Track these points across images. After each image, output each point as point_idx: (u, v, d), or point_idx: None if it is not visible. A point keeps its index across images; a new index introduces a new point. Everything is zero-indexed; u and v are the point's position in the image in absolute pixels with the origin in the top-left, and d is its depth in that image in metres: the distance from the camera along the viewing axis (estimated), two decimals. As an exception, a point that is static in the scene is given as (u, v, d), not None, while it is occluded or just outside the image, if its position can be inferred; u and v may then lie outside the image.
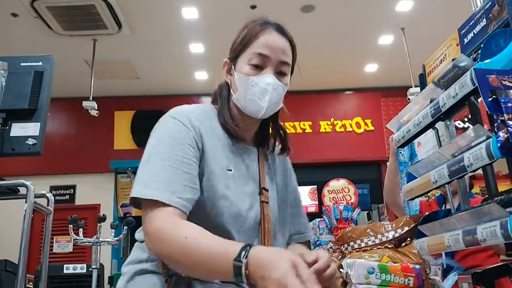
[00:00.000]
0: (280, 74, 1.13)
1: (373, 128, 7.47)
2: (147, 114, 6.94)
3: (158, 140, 1.05)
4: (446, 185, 1.13)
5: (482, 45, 1.05)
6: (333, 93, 7.64)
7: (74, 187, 7.17)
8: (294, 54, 1.17)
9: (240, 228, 1.08)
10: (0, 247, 5.33)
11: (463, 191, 1.16)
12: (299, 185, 1.34)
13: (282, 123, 1.25)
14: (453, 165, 0.92)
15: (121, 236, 3.68)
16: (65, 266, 3.63)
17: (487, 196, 1.07)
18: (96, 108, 5.85)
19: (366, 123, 7.52)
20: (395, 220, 1.31)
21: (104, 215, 3.74)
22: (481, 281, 1.10)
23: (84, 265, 3.64)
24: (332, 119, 7.54)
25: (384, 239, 1.25)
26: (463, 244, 0.88)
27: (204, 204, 1.03)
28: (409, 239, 1.24)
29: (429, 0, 5.26)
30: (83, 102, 5.84)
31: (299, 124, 7.39)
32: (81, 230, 3.55)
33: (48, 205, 2.37)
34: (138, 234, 1.15)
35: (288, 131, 1.27)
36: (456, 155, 0.93)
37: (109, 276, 5.52)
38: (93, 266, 3.42)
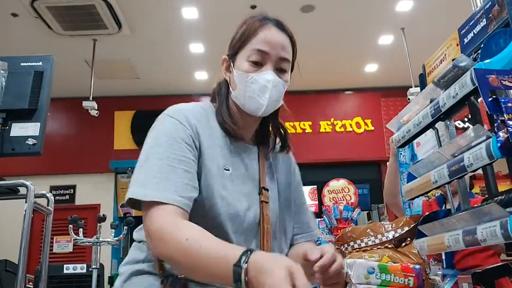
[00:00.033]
0: (280, 71, 1.11)
1: (373, 128, 7.48)
2: (147, 114, 6.93)
3: (155, 140, 1.03)
4: (446, 185, 1.13)
5: (482, 45, 1.05)
6: (333, 93, 7.64)
7: (74, 187, 7.17)
8: (294, 50, 1.15)
9: (238, 228, 1.06)
10: (0, 247, 5.33)
11: (463, 191, 1.16)
12: (299, 184, 1.32)
13: (282, 121, 1.22)
14: (453, 165, 0.92)
15: (121, 236, 3.69)
16: (65, 266, 3.63)
17: (487, 196, 1.07)
18: (96, 108, 5.85)
19: (366, 123, 7.52)
20: (395, 220, 1.31)
21: (104, 215, 3.75)
22: (481, 281, 1.10)
23: (84, 265, 3.64)
24: (332, 119, 7.54)
25: (384, 239, 1.25)
26: (463, 244, 0.88)
27: (202, 203, 1.02)
28: (409, 239, 1.24)
29: (429, 0, 5.26)
30: (83, 102, 5.85)
31: (299, 124, 7.39)
32: (81, 230, 3.55)
33: (48, 205, 2.37)
34: (136, 234, 1.14)
35: (289, 135, 1.25)
36: (456, 155, 0.93)
37: (109, 276, 5.53)
38: (93, 266, 3.42)
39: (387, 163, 2.02)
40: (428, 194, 1.78)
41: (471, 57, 1.10)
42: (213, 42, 5.84)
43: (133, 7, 5.23)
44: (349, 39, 6.07)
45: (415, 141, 1.50)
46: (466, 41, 1.20)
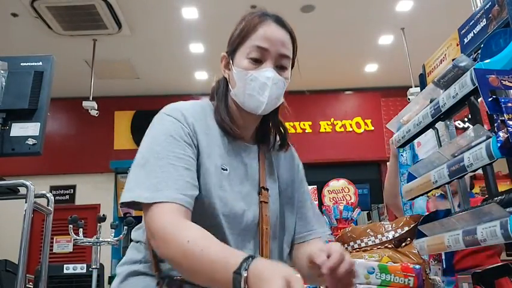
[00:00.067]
0: (280, 68, 1.08)
1: (373, 128, 7.48)
2: (147, 114, 6.87)
3: (154, 138, 1.02)
4: (446, 185, 1.13)
5: (482, 45, 1.05)
6: (333, 93, 7.64)
7: (74, 187, 7.17)
8: (294, 47, 1.12)
9: (235, 229, 1.04)
10: (0, 247, 5.33)
11: (463, 191, 1.16)
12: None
13: (281, 119, 1.19)
14: (453, 165, 0.92)
15: (121, 236, 3.68)
16: (65, 266, 3.64)
17: (487, 196, 1.07)
18: (96, 108, 5.85)
19: (366, 123, 7.52)
20: (395, 220, 1.31)
21: (104, 215, 3.74)
22: (481, 281, 1.10)
23: (84, 265, 3.64)
24: (332, 119, 7.54)
25: (384, 239, 1.25)
26: (463, 244, 0.88)
27: (200, 202, 1.00)
28: (409, 239, 1.25)
29: (429, 0, 5.26)
30: (83, 102, 5.85)
31: (299, 124, 7.39)
32: (81, 230, 3.55)
33: (48, 205, 2.37)
34: (134, 234, 1.13)
35: (288, 133, 1.21)
36: (456, 155, 0.93)
37: (109, 276, 5.53)
38: (93, 266, 3.42)
39: (387, 163, 2.02)
40: (428, 194, 1.77)
41: (471, 57, 1.10)
42: (213, 42, 5.84)
43: (133, 7, 5.23)
44: (349, 39, 6.07)
45: (415, 141, 1.50)
46: (466, 41, 1.20)
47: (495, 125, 0.80)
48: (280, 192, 1.18)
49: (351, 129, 7.51)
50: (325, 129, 7.50)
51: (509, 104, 0.79)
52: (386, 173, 2.02)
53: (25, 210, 2.02)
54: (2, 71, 2.09)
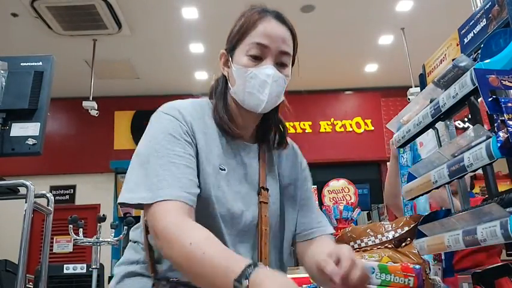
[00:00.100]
0: (280, 65, 1.06)
1: (373, 128, 7.48)
2: (147, 114, 6.75)
3: (153, 138, 1.00)
4: (446, 185, 1.13)
5: (482, 45, 1.05)
6: (333, 93, 7.64)
7: (74, 187, 7.17)
8: (295, 43, 1.10)
9: (233, 230, 1.03)
10: (0, 247, 5.33)
11: (463, 191, 1.16)
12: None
13: (281, 117, 1.17)
14: (453, 165, 0.92)
15: (121, 236, 3.68)
16: (65, 266, 3.63)
17: (487, 196, 1.07)
18: (96, 108, 5.85)
19: (366, 123, 7.52)
20: (395, 220, 1.31)
21: (104, 215, 3.74)
22: (481, 281, 1.10)
23: (84, 265, 3.64)
24: (332, 119, 7.54)
25: (384, 239, 1.25)
26: (463, 244, 0.88)
27: (198, 202, 0.98)
28: (409, 239, 1.24)
29: (429, 0, 5.26)
30: (83, 102, 5.85)
31: (299, 124, 7.39)
32: (81, 230, 3.55)
33: (48, 205, 2.37)
34: (132, 234, 1.12)
35: (287, 131, 1.20)
36: (456, 155, 0.93)
37: (109, 276, 5.52)
38: (93, 266, 3.42)
39: (387, 163, 2.02)
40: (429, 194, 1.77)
41: (471, 57, 1.10)
42: (213, 42, 5.84)
43: (133, 7, 5.23)
44: (349, 39, 6.07)
45: (418, 141, 1.50)
46: (466, 41, 1.20)
47: (495, 125, 0.80)
48: (281, 190, 1.16)
49: (351, 129, 7.52)
50: (325, 129, 7.50)
51: (509, 104, 0.79)
52: (386, 173, 2.01)
53: (25, 210, 2.02)
54: (2, 71, 2.09)
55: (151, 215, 0.92)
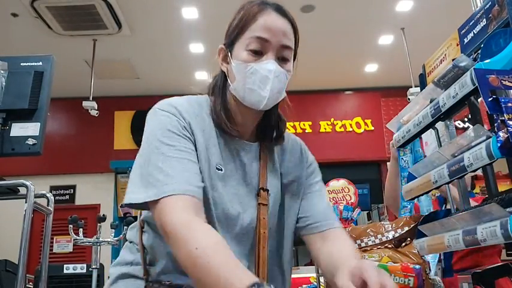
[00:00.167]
0: (282, 60, 1.02)
1: (373, 128, 7.48)
2: (147, 114, 6.92)
3: (151, 135, 0.97)
4: (446, 185, 1.13)
5: (482, 45, 1.04)
6: (333, 93, 7.64)
7: (74, 187, 7.17)
8: (296, 37, 1.06)
9: (229, 233, 0.99)
10: (0, 247, 5.33)
11: (463, 191, 1.16)
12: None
13: (280, 112, 1.12)
14: (453, 165, 0.92)
15: (121, 236, 3.68)
16: (65, 266, 3.63)
17: (487, 196, 1.07)
18: (96, 108, 5.86)
19: (366, 123, 7.52)
20: (395, 220, 1.31)
21: (104, 215, 3.74)
22: (481, 281, 1.10)
23: (84, 265, 3.63)
24: (332, 119, 7.54)
25: (384, 239, 1.25)
26: (463, 244, 0.88)
27: None
28: (409, 239, 1.24)
29: (429, 0, 5.26)
30: (83, 102, 5.85)
31: (299, 124, 7.39)
32: (81, 230, 3.55)
33: (48, 205, 2.37)
34: (129, 233, 1.11)
35: (286, 126, 1.15)
36: (456, 155, 0.93)
37: (109, 277, 5.52)
38: (93, 266, 3.42)
39: (387, 163, 2.02)
40: (429, 194, 1.77)
41: (471, 57, 1.10)
42: (213, 42, 5.79)
43: (133, 7, 5.23)
44: (349, 39, 6.07)
45: (424, 141, 1.50)
46: (466, 41, 1.20)
47: (495, 125, 0.80)
48: (283, 188, 1.12)
49: (351, 129, 7.52)
50: (325, 129, 7.50)
51: (509, 104, 0.79)
52: (386, 173, 2.01)
53: (25, 210, 2.02)
54: (2, 71, 2.09)
55: (157, 212, 0.89)
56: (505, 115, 0.78)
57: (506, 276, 1.22)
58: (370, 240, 1.26)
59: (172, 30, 5.75)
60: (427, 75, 1.42)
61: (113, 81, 6.96)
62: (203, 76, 6.79)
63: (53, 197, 2.42)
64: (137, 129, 7.18)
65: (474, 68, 0.88)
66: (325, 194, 1.21)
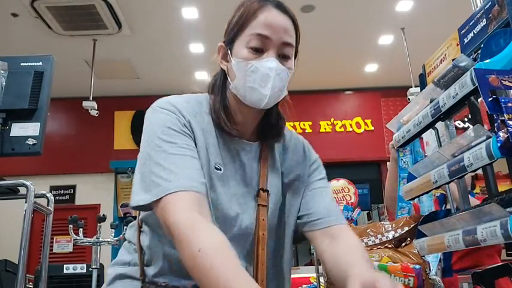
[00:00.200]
0: (283, 57, 1.00)
1: (373, 128, 7.48)
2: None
3: (151, 133, 0.95)
4: (446, 185, 1.13)
5: (482, 45, 1.04)
6: (333, 93, 7.64)
7: (74, 187, 7.17)
8: (297, 34, 1.03)
9: (228, 233, 0.93)
10: (0, 247, 5.33)
11: (463, 191, 1.16)
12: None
13: (280, 110, 1.10)
14: (453, 165, 0.92)
15: (121, 236, 3.68)
16: (65, 266, 3.63)
17: (487, 196, 1.07)
18: (96, 108, 5.85)
19: (366, 123, 7.52)
20: (395, 220, 1.31)
21: (104, 215, 3.75)
22: (481, 281, 1.10)
23: (84, 265, 3.64)
24: (332, 119, 7.54)
25: (384, 239, 1.25)
26: (463, 244, 0.88)
27: None
28: (409, 239, 1.25)
29: (429, 0, 5.26)
30: (83, 102, 5.85)
31: (299, 124, 7.39)
32: (81, 230, 3.55)
33: (48, 205, 2.37)
34: (128, 232, 1.10)
35: (285, 123, 1.12)
36: (456, 155, 0.93)
37: (109, 276, 5.53)
38: (93, 266, 3.42)
39: (387, 163, 2.02)
40: (431, 194, 1.77)
41: (471, 57, 1.10)
42: (213, 42, 5.75)
43: (133, 7, 5.23)
44: (349, 39, 6.07)
45: (424, 141, 1.51)
46: (466, 41, 1.20)
47: (495, 125, 0.80)
48: (284, 187, 1.10)
49: (351, 129, 7.51)
50: (325, 129, 7.50)
51: (509, 104, 0.79)
52: (386, 173, 2.01)
53: (25, 210, 2.02)
54: (2, 71, 2.09)
55: (161, 210, 0.87)
56: (505, 115, 0.78)
57: (506, 276, 1.22)
58: (370, 240, 1.26)
59: (172, 30, 5.75)
60: (427, 75, 1.42)
61: (113, 81, 6.96)
62: (203, 76, 6.79)
63: (53, 197, 2.42)
64: (137, 129, 7.17)
65: (474, 68, 0.88)
66: (330, 191, 1.18)
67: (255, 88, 0.98)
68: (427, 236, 1.06)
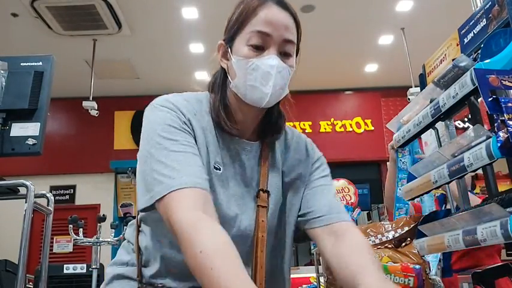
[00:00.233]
0: (284, 55, 0.98)
1: (373, 128, 7.48)
2: (146, 113, 6.94)
3: (151, 132, 0.94)
4: (446, 185, 1.13)
5: (482, 45, 1.05)
6: (333, 93, 7.64)
7: (74, 187, 7.17)
8: (298, 31, 1.02)
9: None
10: (0, 247, 5.33)
11: (463, 191, 1.16)
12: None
13: (280, 108, 1.08)
14: (453, 165, 0.92)
15: (121, 236, 3.67)
16: (65, 266, 3.63)
17: (487, 196, 1.07)
18: (96, 108, 5.85)
19: (366, 123, 7.52)
20: (395, 220, 1.31)
21: (104, 215, 3.75)
22: (481, 281, 1.10)
23: (84, 265, 3.64)
24: (332, 119, 7.54)
25: (384, 239, 1.25)
26: (463, 244, 0.88)
27: None
28: (409, 239, 1.25)
29: (429, 0, 5.26)
30: (83, 102, 5.85)
31: (299, 124, 7.38)
32: (81, 230, 3.55)
33: (48, 205, 2.37)
34: (128, 231, 1.09)
35: (285, 121, 1.10)
36: (456, 155, 0.93)
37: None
38: (93, 266, 3.42)
39: (387, 163, 2.02)
40: (432, 193, 1.77)
41: (471, 57, 1.10)
42: (213, 42, 5.73)
43: (133, 7, 5.23)
44: (349, 39, 6.07)
45: (423, 141, 1.51)
46: (466, 41, 1.20)
47: (495, 125, 0.80)
48: (285, 187, 1.08)
49: (351, 129, 7.51)
50: (325, 129, 7.50)
51: (509, 104, 0.79)
52: (386, 173, 2.01)
53: (25, 210, 2.02)
54: (2, 71, 2.09)
55: (164, 207, 0.85)
56: (505, 115, 0.78)
57: (506, 276, 1.22)
58: (370, 240, 1.26)
59: (172, 30, 5.74)
60: (427, 75, 1.42)
61: (113, 81, 6.96)
62: (203, 76, 6.79)
63: (53, 197, 2.42)
64: (137, 129, 7.13)
65: (474, 68, 0.88)
66: (333, 189, 1.14)
67: (256, 86, 0.96)
68: (427, 236, 1.06)
